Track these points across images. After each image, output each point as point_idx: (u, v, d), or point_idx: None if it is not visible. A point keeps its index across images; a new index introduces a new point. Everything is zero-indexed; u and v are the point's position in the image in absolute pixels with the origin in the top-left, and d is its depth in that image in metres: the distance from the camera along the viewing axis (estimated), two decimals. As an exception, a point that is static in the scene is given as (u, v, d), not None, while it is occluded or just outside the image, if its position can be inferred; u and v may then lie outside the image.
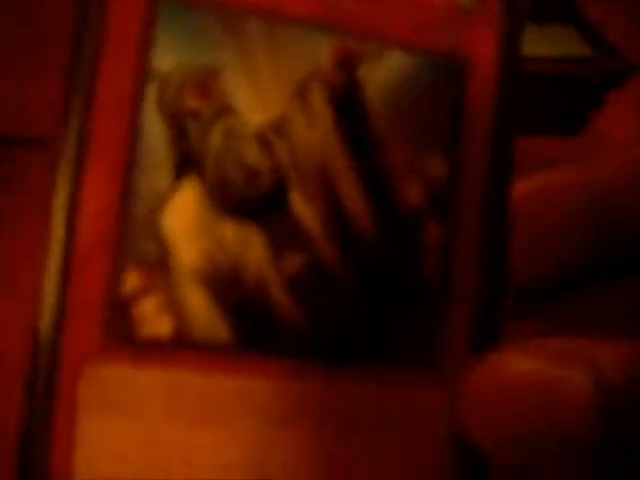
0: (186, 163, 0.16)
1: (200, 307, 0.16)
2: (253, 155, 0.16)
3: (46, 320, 0.15)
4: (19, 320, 0.44)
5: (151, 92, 0.16)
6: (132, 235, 0.15)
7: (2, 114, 0.55)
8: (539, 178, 0.19)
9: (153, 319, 0.15)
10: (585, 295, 0.19)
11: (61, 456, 0.15)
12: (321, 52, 0.17)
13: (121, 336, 0.15)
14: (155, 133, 0.16)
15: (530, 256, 0.19)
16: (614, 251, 0.18)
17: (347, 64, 0.17)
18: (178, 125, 0.16)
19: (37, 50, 0.58)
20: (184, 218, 0.16)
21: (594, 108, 0.59)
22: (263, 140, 0.16)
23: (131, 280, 0.15)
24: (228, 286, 0.16)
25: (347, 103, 0.17)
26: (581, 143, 0.59)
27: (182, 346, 0.15)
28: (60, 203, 0.15)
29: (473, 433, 0.17)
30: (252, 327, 0.16)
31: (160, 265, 0.15)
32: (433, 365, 0.17)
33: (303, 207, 0.16)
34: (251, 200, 0.16)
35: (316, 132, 0.17)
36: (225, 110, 0.16)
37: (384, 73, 0.17)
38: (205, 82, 0.16)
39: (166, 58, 0.16)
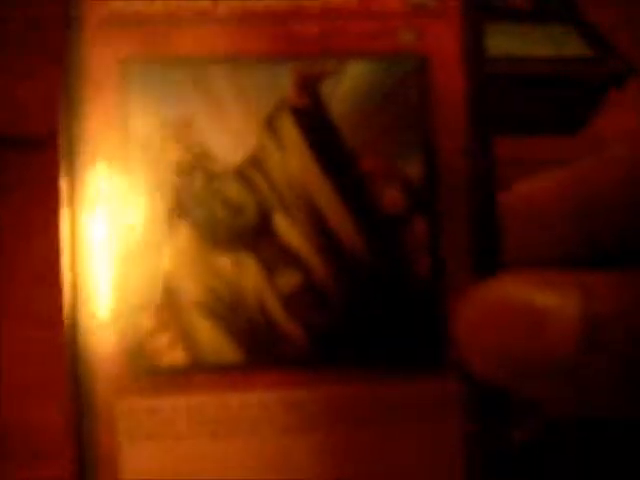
0: (177, 211, 0.18)
1: (209, 334, 0.18)
2: (235, 192, 0.18)
3: (79, 367, 0.18)
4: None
5: (134, 152, 0.18)
6: (138, 280, 0.18)
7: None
8: (531, 182, 0.19)
9: (169, 351, 0.18)
10: None
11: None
12: (284, 81, 0.18)
13: (143, 369, 0.18)
14: (144, 189, 0.18)
15: (520, 259, 0.19)
16: (604, 250, 0.19)
17: (309, 85, 0.18)
18: (164, 178, 0.18)
19: (32, 50, 0.59)
20: (182, 259, 0.18)
21: (594, 108, 0.60)
22: (242, 176, 0.18)
23: (144, 320, 0.18)
24: (231, 312, 0.18)
25: (315, 122, 0.18)
26: (581, 143, 0.60)
27: (197, 371, 0.18)
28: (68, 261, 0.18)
29: (468, 356, 0.17)
30: (257, 345, 0.18)
31: (168, 304, 0.18)
32: (435, 357, 0.18)
33: (288, 229, 0.18)
34: (240, 232, 0.18)
35: (290, 157, 0.18)
36: (202, 156, 0.18)
37: (347, 85, 0.18)
38: (181, 134, 0.18)
39: (144, 118, 0.18)
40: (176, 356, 0.18)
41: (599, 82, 0.58)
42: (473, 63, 0.19)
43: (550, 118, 0.59)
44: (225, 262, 0.18)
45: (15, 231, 0.52)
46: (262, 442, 0.18)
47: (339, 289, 0.18)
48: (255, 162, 0.18)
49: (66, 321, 0.18)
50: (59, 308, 0.46)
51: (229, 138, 0.18)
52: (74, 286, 0.18)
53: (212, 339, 0.18)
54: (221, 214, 0.18)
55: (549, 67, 0.58)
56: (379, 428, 0.18)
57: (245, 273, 0.18)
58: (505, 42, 0.57)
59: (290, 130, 0.18)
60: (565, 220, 0.19)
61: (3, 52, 0.59)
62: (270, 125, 0.18)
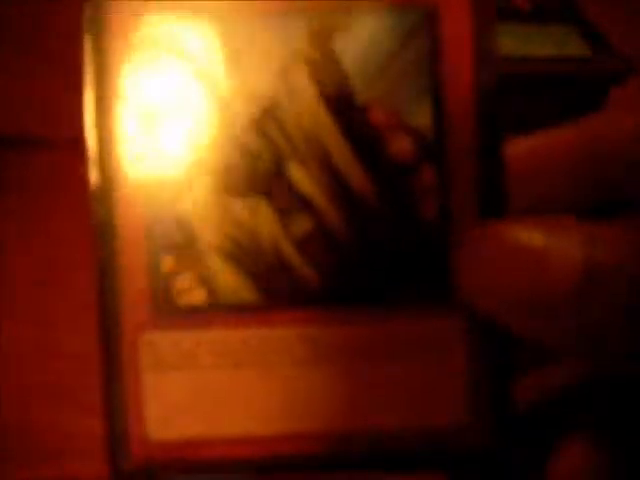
0: (197, 158, 0.19)
1: (227, 276, 0.19)
2: (251, 141, 0.19)
3: (104, 301, 0.19)
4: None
5: (159, 103, 0.19)
6: (162, 226, 0.19)
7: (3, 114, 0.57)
8: (538, 137, 0.20)
9: (189, 291, 0.19)
10: None
11: (135, 411, 0.19)
12: (297, 35, 0.19)
13: (165, 307, 0.19)
14: (168, 138, 0.19)
15: (524, 212, 0.19)
16: (609, 207, 0.19)
17: (322, 39, 0.19)
18: (187, 128, 0.19)
19: (32, 50, 0.60)
20: (201, 205, 0.19)
21: (594, 108, 0.61)
22: (258, 126, 0.19)
23: (167, 263, 0.19)
24: (248, 255, 0.19)
25: (328, 75, 0.19)
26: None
27: (217, 309, 0.19)
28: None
29: (470, 295, 0.18)
30: (273, 286, 0.19)
31: (188, 247, 0.19)
32: (441, 296, 0.19)
33: (301, 177, 0.19)
34: (256, 179, 0.19)
35: (303, 108, 0.19)
36: (222, 107, 0.19)
37: (359, 39, 0.19)
38: (202, 86, 0.19)
39: (166, 68, 0.19)
40: (197, 297, 0.19)
41: (599, 82, 0.59)
42: (480, 12, 0.19)
43: (550, 118, 0.60)
44: (241, 207, 0.19)
45: (15, 231, 0.53)
46: (281, 373, 0.19)
47: (350, 233, 0.19)
48: (270, 112, 0.19)
49: (97, 264, 0.19)
50: (59, 308, 0.46)
51: (245, 89, 0.19)
52: (103, 231, 0.19)
53: (230, 281, 0.19)
54: (238, 162, 0.19)
55: (549, 67, 0.59)
56: (387, 362, 0.19)
57: (261, 219, 0.19)
58: (505, 42, 0.58)
59: (303, 81, 0.19)
60: (570, 176, 0.19)
61: (2, 52, 0.60)
62: (283, 77, 0.19)
